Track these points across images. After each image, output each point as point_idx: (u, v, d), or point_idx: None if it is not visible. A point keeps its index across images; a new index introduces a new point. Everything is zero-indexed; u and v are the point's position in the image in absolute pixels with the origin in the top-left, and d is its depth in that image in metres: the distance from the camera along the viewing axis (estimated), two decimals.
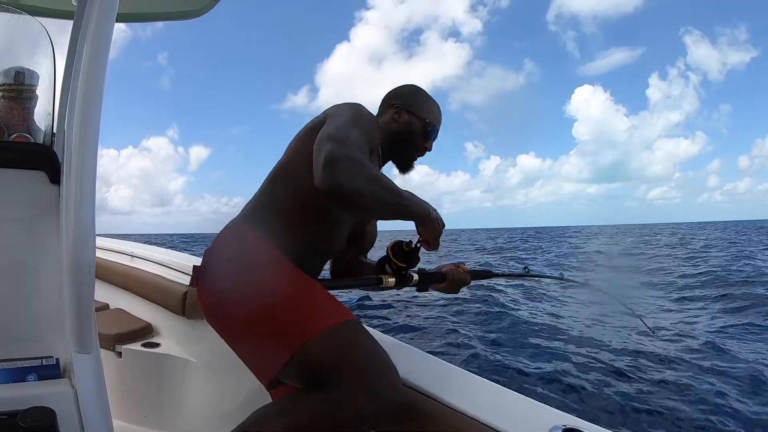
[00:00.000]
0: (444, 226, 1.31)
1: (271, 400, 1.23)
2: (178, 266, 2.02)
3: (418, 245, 1.34)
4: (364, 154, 1.21)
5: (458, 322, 7.77)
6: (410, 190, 1.25)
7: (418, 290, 1.46)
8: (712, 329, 6.86)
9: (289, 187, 1.31)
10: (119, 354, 1.88)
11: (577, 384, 4.60)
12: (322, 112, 1.36)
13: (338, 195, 1.12)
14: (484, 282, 1.62)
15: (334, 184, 1.10)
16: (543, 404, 1.14)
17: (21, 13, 1.34)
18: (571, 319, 7.45)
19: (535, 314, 7.99)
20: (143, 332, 1.96)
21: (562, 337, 6.74)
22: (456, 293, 1.51)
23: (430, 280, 1.44)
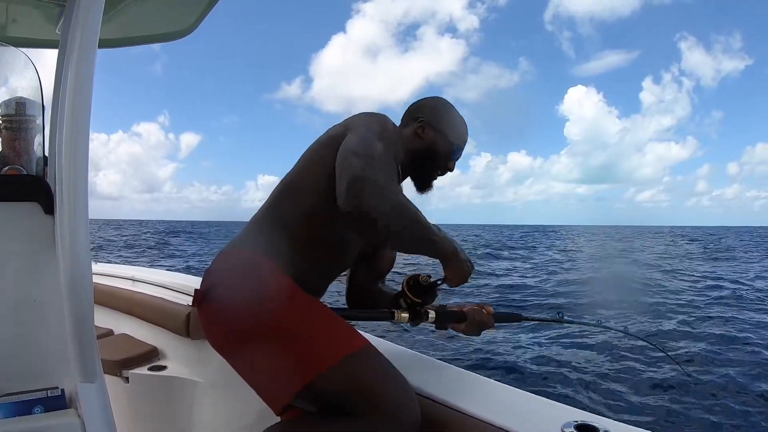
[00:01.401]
0: (473, 267, 1.25)
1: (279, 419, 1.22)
2: (179, 287, 2.01)
3: (439, 282, 1.26)
4: (392, 176, 1.14)
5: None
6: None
7: (435, 328, 1.36)
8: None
9: (299, 204, 1.25)
10: (126, 379, 1.87)
11: (589, 380, 4.58)
12: (341, 121, 1.29)
13: (361, 220, 1.06)
14: (507, 323, 1.48)
15: (358, 208, 1.03)
16: (554, 402, 1.13)
17: (5, 45, 1.34)
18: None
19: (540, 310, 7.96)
20: (149, 356, 1.95)
21: (569, 333, 6.73)
22: (477, 335, 1.38)
23: (448, 319, 1.35)
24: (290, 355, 1.11)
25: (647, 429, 1.01)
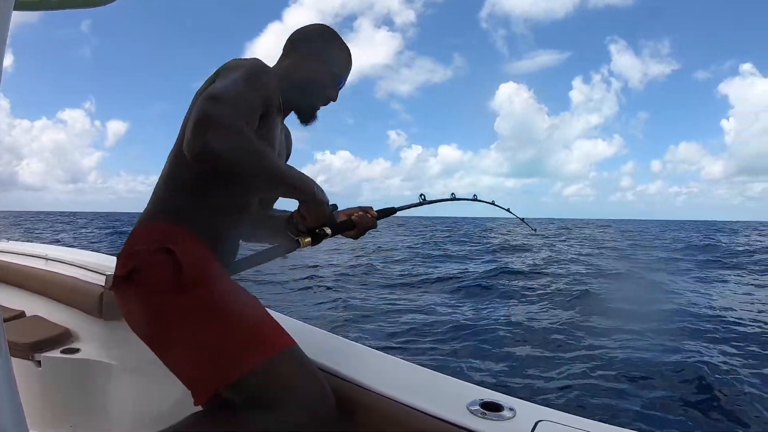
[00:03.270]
0: (330, 206, 1.27)
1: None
2: (93, 266, 1.92)
3: (334, 208, 1.32)
4: (246, 117, 1.09)
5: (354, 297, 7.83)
6: (322, 174, 1.19)
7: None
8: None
9: (191, 170, 1.20)
10: (38, 363, 1.78)
11: (495, 360, 4.80)
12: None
13: (207, 163, 1.03)
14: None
15: (201, 149, 0.99)
16: (460, 380, 1.18)
17: None
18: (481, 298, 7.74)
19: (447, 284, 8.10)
20: (62, 338, 1.86)
21: (472, 311, 7.00)
22: (363, 235, 1.45)
23: (341, 229, 1.40)
24: (220, 349, 1.10)
25: (551, 407, 1.06)
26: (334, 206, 1.33)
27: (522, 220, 1.93)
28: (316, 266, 11.11)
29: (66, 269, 2.04)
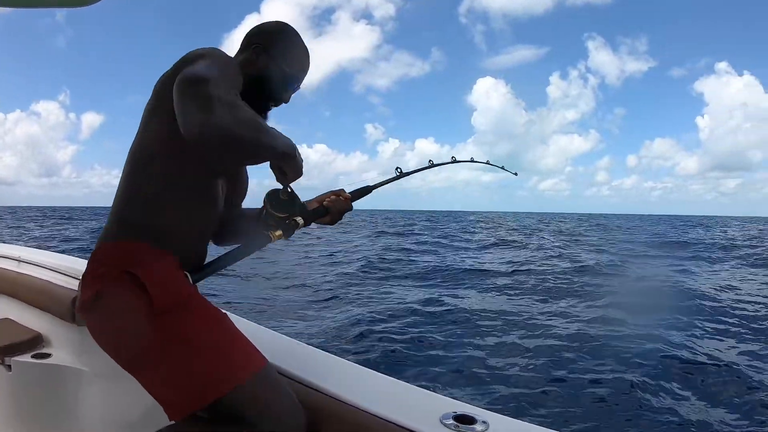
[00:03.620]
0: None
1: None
2: (67, 270, 1.89)
3: (290, 188, 1.26)
4: (234, 90, 1.05)
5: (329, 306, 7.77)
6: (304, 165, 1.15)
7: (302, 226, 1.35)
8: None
9: (151, 171, 1.16)
10: (9, 367, 1.75)
11: (469, 372, 4.81)
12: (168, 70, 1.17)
13: (213, 142, 0.96)
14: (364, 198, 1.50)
15: (211, 128, 0.94)
16: (432, 393, 1.17)
17: None
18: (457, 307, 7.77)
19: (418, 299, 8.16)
20: (33, 343, 1.83)
21: (448, 323, 7.01)
22: (340, 220, 1.40)
23: (314, 217, 1.36)
24: (200, 369, 1.09)
25: (525, 419, 1.07)
26: (293, 193, 1.28)
27: (502, 167, 1.88)
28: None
29: (39, 272, 2.00)
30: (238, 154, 1.08)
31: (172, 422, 1.11)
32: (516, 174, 1.95)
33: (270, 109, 1.34)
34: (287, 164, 1.16)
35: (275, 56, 1.28)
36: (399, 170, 1.52)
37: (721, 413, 3.93)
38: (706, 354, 5.27)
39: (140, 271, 1.10)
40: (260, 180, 1.47)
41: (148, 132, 1.18)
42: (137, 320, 1.08)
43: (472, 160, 1.77)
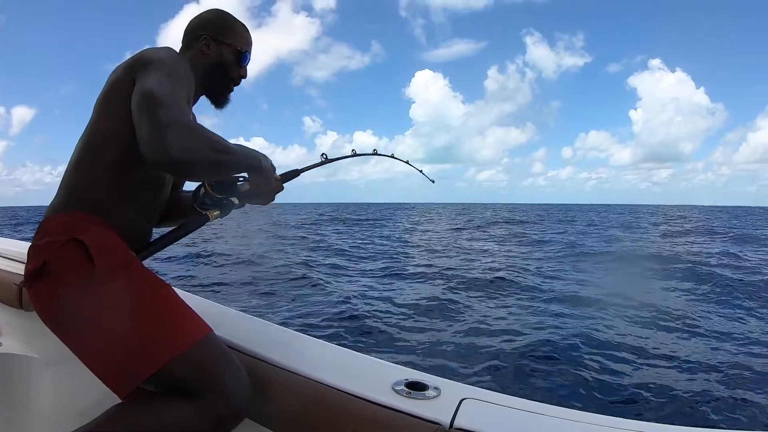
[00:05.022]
0: (275, 170, 1.30)
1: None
2: (11, 255, 1.81)
3: (240, 180, 1.32)
4: (188, 112, 1.14)
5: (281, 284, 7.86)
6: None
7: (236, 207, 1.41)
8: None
9: (104, 154, 1.19)
10: None
11: (415, 340, 4.96)
12: (125, 60, 1.21)
13: (170, 168, 1.06)
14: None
15: (166, 157, 1.00)
16: (385, 361, 1.19)
17: None
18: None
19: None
20: None
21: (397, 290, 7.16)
22: (273, 201, 1.42)
23: (248, 197, 1.40)
24: (142, 337, 1.09)
25: (474, 385, 1.08)
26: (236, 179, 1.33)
27: (420, 171, 1.96)
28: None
29: None
30: (195, 175, 1.21)
31: (120, 402, 1.11)
32: (433, 181, 2.04)
33: (231, 90, 1.42)
34: (255, 177, 1.25)
35: (224, 40, 1.36)
36: (324, 156, 1.60)
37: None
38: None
39: (86, 237, 1.13)
40: None
41: (103, 119, 1.22)
42: (78, 287, 1.10)
43: (392, 156, 1.85)
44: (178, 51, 1.33)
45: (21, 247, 1.92)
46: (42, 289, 1.16)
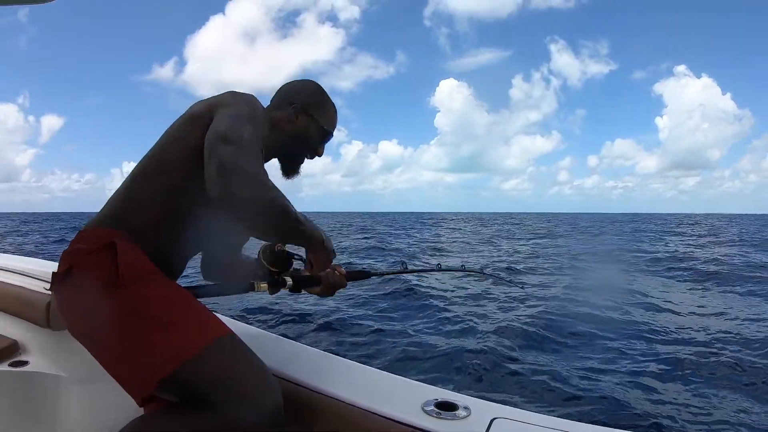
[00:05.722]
0: (335, 255, 1.29)
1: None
2: (38, 274, 1.85)
3: (296, 257, 1.30)
4: (261, 163, 1.14)
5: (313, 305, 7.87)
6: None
7: (290, 292, 1.36)
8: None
9: (163, 180, 1.21)
10: None
11: (449, 360, 4.86)
12: (208, 97, 1.25)
13: (229, 208, 1.04)
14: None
15: (228, 196, 1.01)
16: (413, 381, 1.18)
17: None
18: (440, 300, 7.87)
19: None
20: (9, 351, 1.78)
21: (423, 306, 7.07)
22: (331, 296, 1.39)
23: (304, 284, 1.36)
24: (153, 341, 1.08)
25: (506, 404, 1.08)
26: (289, 252, 1.30)
27: (509, 281, 2.03)
28: None
29: (10, 278, 1.96)
30: (250, 222, 1.13)
31: (142, 414, 1.12)
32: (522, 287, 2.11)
33: (304, 162, 1.43)
34: (313, 254, 1.26)
35: (313, 114, 1.39)
36: (404, 264, 1.61)
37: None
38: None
39: (119, 243, 1.13)
40: None
41: (172, 144, 1.23)
42: (99, 291, 1.10)
43: (481, 272, 1.96)
44: (263, 104, 1.34)
45: (46, 267, 1.96)
46: (66, 292, 1.18)
